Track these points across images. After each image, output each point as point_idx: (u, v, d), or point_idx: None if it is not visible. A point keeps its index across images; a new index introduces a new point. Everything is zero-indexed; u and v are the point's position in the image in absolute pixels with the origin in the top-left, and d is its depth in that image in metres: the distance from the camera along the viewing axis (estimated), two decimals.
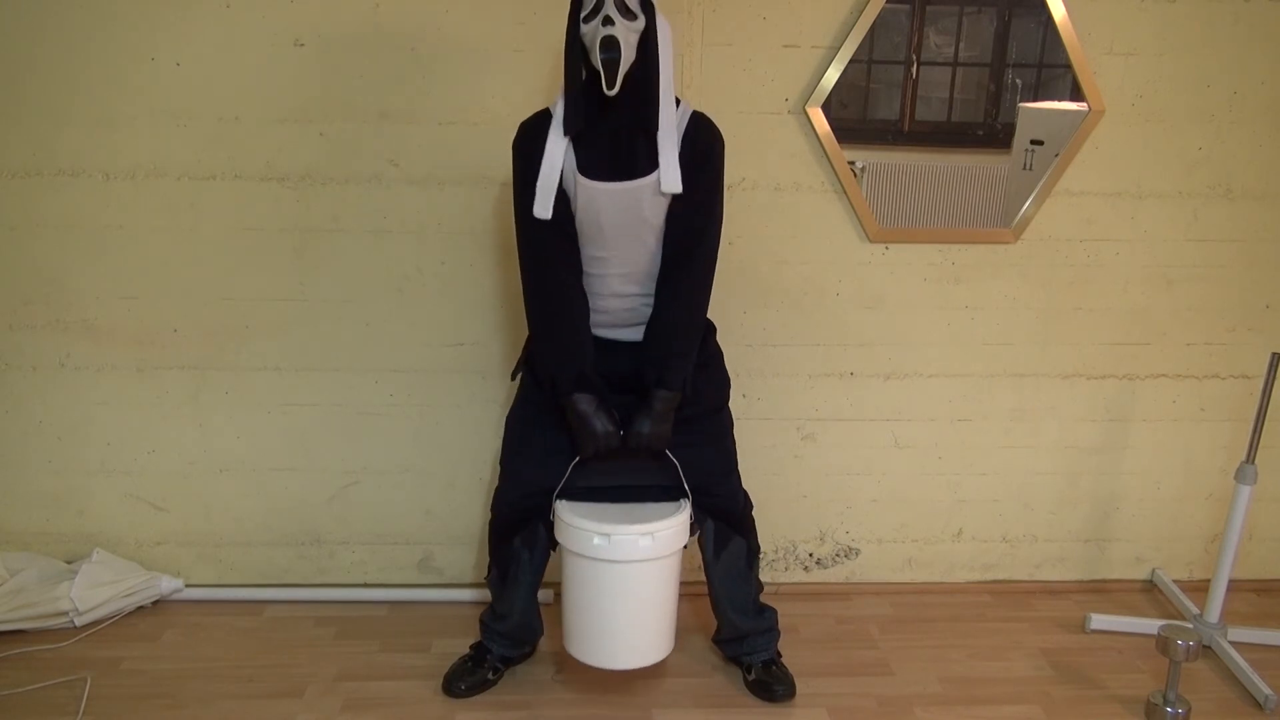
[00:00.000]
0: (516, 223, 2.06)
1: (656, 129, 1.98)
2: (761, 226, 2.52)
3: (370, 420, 2.63)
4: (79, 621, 2.52)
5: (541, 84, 2.40)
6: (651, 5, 1.95)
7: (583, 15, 1.91)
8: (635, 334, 2.15)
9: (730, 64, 2.41)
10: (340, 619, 2.63)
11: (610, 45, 1.87)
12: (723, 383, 2.27)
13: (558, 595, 2.68)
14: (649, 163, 1.99)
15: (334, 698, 2.30)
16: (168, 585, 2.66)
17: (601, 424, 2.08)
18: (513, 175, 2.06)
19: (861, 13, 2.36)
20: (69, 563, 2.66)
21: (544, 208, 1.98)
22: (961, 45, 2.45)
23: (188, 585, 2.71)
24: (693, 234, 2.04)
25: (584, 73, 1.96)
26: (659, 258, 2.08)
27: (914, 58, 2.46)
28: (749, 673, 2.35)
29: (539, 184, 1.98)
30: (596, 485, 2.17)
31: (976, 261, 2.59)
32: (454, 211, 2.48)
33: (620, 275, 2.08)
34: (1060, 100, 2.49)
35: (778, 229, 2.53)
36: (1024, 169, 2.54)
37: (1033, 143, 2.52)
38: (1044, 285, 2.62)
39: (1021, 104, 2.49)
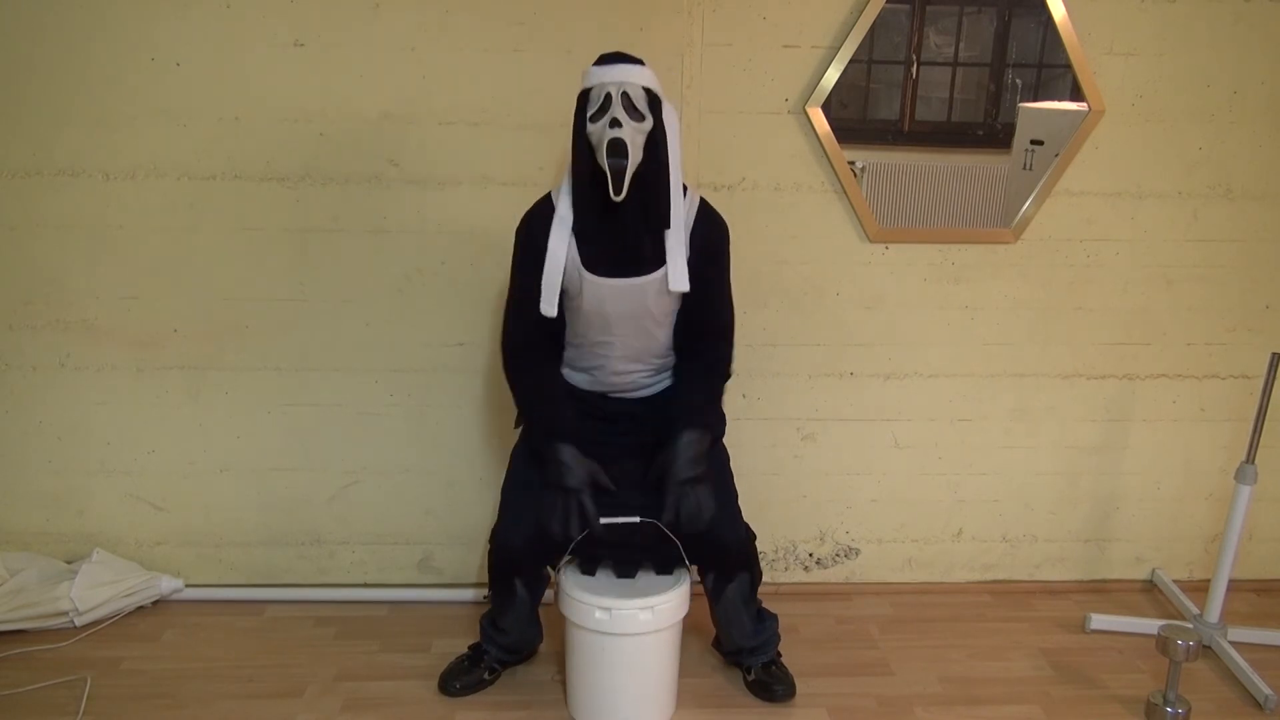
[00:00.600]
0: (509, 302, 2.08)
1: (666, 229, 1.98)
2: (761, 226, 2.52)
3: (370, 420, 2.63)
4: (79, 621, 2.52)
5: (541, 84, 2.40)
6: (659, 101, 1.93)
7: (589, 114, 1.90)
8: (638, 394, 2.19)
9: (730, 64, 2.41)
10: (340, 619, 2.63)
11: (617, 150, 1.86)
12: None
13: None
14: (655, 259, 2.00)
15: (334, 698, 2.30)
16: (168, 585, 2.66)
17: (576, 478, 2.04)
18: (512, 257, 2.06)
19: (861, 13, 2.36)
20: (69, 563, 2.65)
21: (550, 305, 1.99)
22: (961, 45, 2.46)
23: (188, 585, 2.70)
24: (707, 324, 2.09)
25: (590, 168, 1.94)
26: (662, 338, 2.10)
27: (914, 58, 2.46)
28: (748, 673, 2.35)
29: (544, 280, 1.98)
30: (601, 548, 2.17)
31: (976, 261, 2.59)
32: (454, 211, 2.48)
33: (622, 356, 2.11)
34: (1060, 100, 2.49)
35: (778, 229, 2.53)
36: (1024, 169, 2.54)
37: (1033, 143, 2.52)
38: (1044, 285, 2.62)
39: (1021, 104, 2.49)
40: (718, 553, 2.17)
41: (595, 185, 1.94)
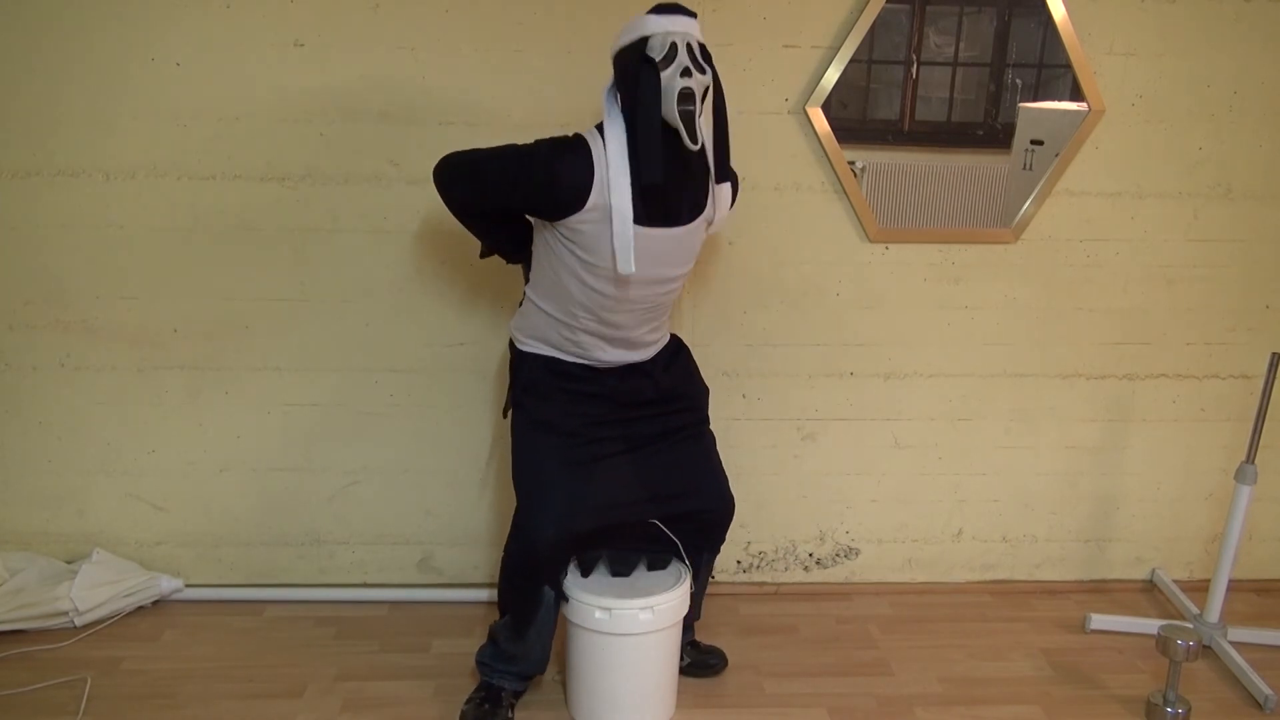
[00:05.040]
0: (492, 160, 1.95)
1: (728, 181, 2.03)
2: (761, 226, 2.52)
3: (370, 420, 2.63)
4: (79, 621, 2.52)
5: (541, 84, 2.40)
6: (710, 55, 1.93)
7: (657, 61, 1.85)
8: (643, 355, 2.15)
9: (730, 64, 2.41)
10: (340, 619, 2.63)
11: (688, 98, 1.86)
12: (706, 391, 2.32)
13: None
14: (696, 208, 2.00)
15: (334, 698, 2.30)
16: (168, 585, 2.66)
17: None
18: (534, 175, 1.90)
19: (861, 13, 2.36)
20: (69, 563, 2.65)
21: (627, 263, 1.91)
22: (961, 45, 2.46)
23: (188, 585, 2.70)
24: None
25: (656, 117, 1.88)
26: (679, 284, 2.07)
27: (914, 58, 2.46)
28: (681, 659, 2.34)
29: (616, 241, 1.89)
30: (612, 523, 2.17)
31: (976, 261, 2.59)
32: None
33: (633, 312, 2.05)
34: (1060, 100, 2.49)
35: (778, 229, 2.53)
36: (1024, 169, 2.54)
37: (1033, 143, 2.52)
38: (1044, 285, 2.62)
39: (1021, 104, 2.49)
40: (723, 525, 2.26)
41: (664, 136, 1.89)
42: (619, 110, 1.91)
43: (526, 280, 2.16)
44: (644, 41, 1.87)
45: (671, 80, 1.86)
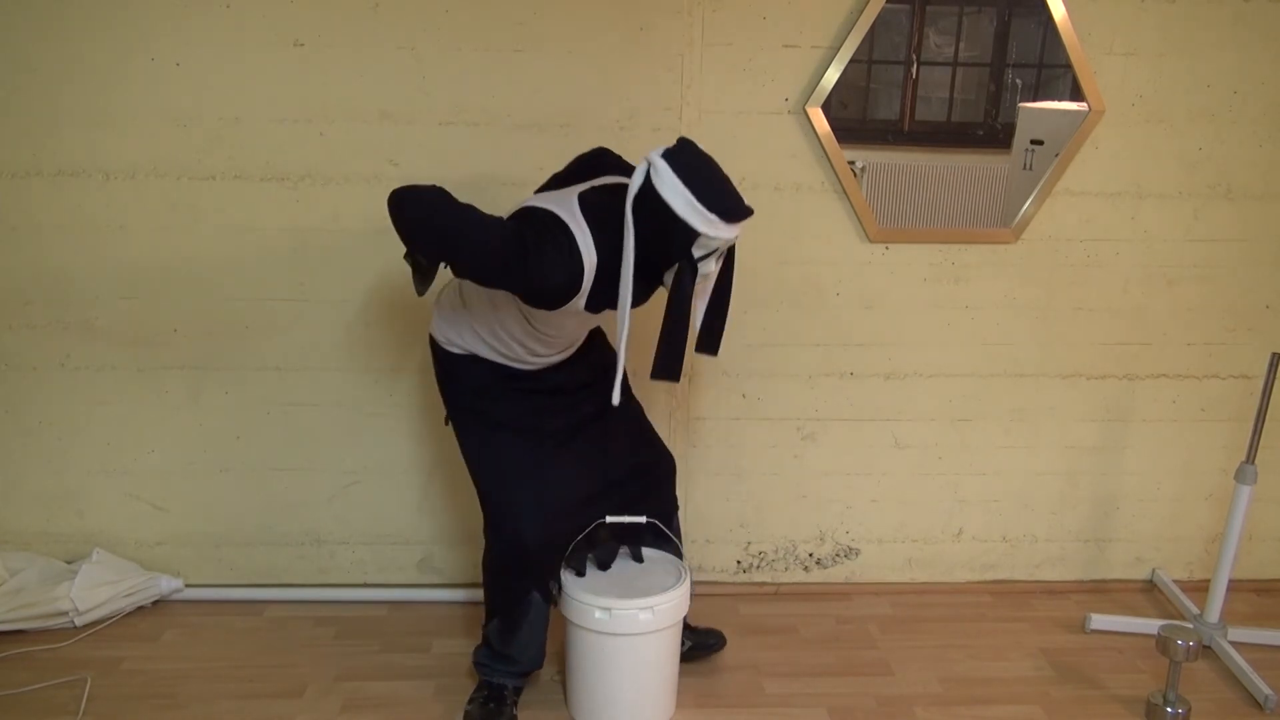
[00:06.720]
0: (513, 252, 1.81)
1: (713, 353, 2.08)
2: (761, 226, 2.52)
3: (370, 420, 2.63)
4: (79, 621, 2.52)
5: (541, 84, 2.40)
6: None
7: (696, 253, 1.81)
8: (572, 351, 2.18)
9: (730, 64, 2.41)
10: (340, 619, 2.63)
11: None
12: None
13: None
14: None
15: (334, 698, 2.30)
16: (168, 585, 2.66)
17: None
18: (521, 271, 1.81)
19: (861, 13, 2.36)
20: (69, 563, 2.65)
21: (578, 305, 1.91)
22: (961, 45, 2.46)
23: (188, 585, 2.70)
24: None
25: (652, 264, 1.86)
26: None
27: (914, 58, 2.46)
28: (682, 644, 2.32)
29: (579, 295, 1.88)
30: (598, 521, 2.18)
31: (976, 261, 2.59)
32: None
33: (576, 336, 2.12)
34: (1060, 100, 2.49)
35: (778, 229, 2.53)
36: (1024, 169, 2.54)
37: (1033, 143, 2.52)
38: (1044, 285, 2.62)
39: (1021, 104, 2.49)
40: (669, 478, 2.31)
41: (644, 275, 1.88)
42: (632, 226, 1.81)
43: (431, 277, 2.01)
44: (695, 233, 1.78)
45: (694, 272, 1.84)
